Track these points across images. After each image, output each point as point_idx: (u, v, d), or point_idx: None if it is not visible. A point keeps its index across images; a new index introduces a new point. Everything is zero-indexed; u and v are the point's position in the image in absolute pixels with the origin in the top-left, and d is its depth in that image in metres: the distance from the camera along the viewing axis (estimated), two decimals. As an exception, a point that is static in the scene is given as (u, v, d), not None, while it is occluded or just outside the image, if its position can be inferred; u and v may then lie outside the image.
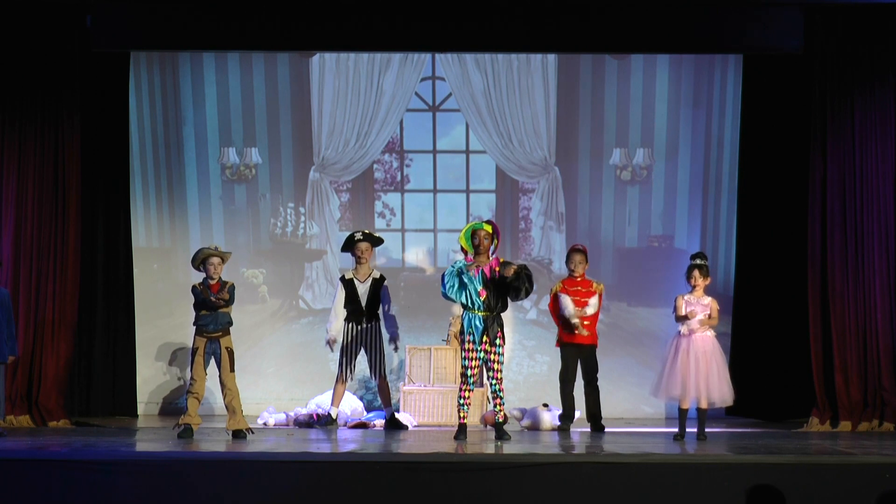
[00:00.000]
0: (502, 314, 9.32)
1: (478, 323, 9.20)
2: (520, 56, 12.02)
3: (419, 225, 12.28)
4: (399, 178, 12.26)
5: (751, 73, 11.77)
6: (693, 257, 9.50)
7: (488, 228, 9.29)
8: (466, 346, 9.22)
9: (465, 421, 9.31)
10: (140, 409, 11.84)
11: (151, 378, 11.99)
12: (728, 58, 11.91)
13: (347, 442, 9.24)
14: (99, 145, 11.56)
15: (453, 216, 12.25)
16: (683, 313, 9.26)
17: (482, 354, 9.21)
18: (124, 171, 11.92)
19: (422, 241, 12.30)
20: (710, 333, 9.29)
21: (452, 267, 9.30)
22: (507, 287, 9.20)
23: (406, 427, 10.32)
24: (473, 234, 9.30)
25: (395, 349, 10.56)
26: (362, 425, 10.48)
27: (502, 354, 9.27)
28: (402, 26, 10.79)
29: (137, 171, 12.07)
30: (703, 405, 9.28)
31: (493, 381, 9.26)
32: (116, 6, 10.78)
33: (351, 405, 10.83)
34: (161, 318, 11.95)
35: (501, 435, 9.24)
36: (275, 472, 7.68)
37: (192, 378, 9.48)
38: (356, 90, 12.16)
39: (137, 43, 11.18)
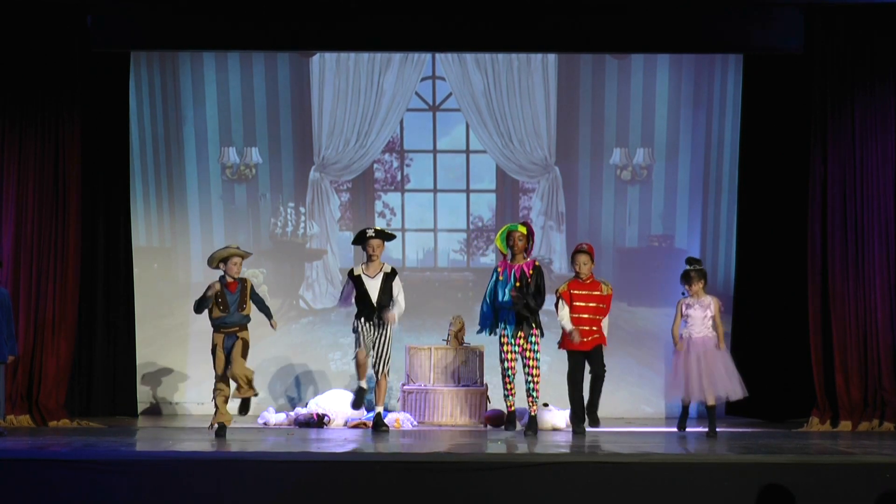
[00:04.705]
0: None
1: (510, 320, 9.67)
2: (520, 56, 12.02)
3: (419, 225, 12.27)
4: (399, 177, 12.25)
5: (751, 73, 11.77)
6: (686, 262, 9.70)
7: (523, 230, 9.80)
8: (501, 340, 9.76)
9: (513, 409, 9.90)
10: (140, 408, 11.84)
11: (152, 378, 11.99)
12: (728, 58, 11.91)
13: (347, 442, 9.24)
14: (99, 145, 11.56)
15: (453, 216, 12.25)
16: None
17: (517, 349, 9.68)
18: (124, 170, 11.91)
19: (422, 241, 12.29)
20: (712, 335, 9.35)
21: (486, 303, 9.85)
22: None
23: (387, 430, 10.09)
24: (509, 235, 9.81)
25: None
26: (362, 425, 10.48)
27: (537, 352, 9.68)
28: (402, 26, 10.80)
29: (137, 170, 12.07)
30: (711, 402, 9.32)
31: (528, 378, 9.70)
32: (116, 6, 10.79)
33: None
34: (161, 318, 11.94)
35: (533, 428, 9.68)
36: (275, 472, 7.67)
37: (216, 375, 9.43)
38: (356, 90, 12.15)
39: (137, 43, 11.19)
